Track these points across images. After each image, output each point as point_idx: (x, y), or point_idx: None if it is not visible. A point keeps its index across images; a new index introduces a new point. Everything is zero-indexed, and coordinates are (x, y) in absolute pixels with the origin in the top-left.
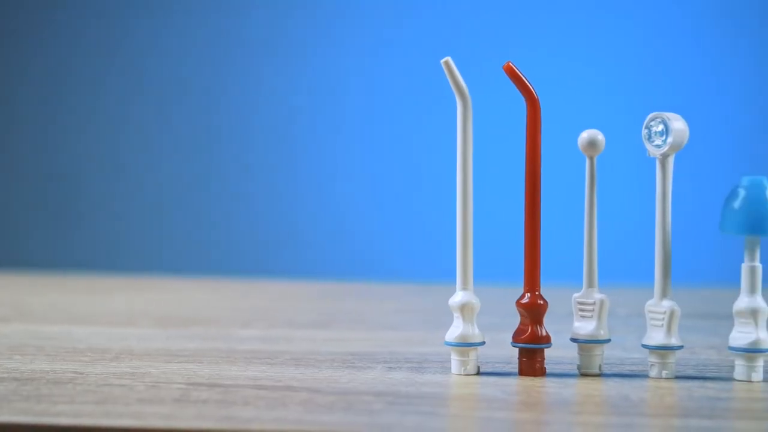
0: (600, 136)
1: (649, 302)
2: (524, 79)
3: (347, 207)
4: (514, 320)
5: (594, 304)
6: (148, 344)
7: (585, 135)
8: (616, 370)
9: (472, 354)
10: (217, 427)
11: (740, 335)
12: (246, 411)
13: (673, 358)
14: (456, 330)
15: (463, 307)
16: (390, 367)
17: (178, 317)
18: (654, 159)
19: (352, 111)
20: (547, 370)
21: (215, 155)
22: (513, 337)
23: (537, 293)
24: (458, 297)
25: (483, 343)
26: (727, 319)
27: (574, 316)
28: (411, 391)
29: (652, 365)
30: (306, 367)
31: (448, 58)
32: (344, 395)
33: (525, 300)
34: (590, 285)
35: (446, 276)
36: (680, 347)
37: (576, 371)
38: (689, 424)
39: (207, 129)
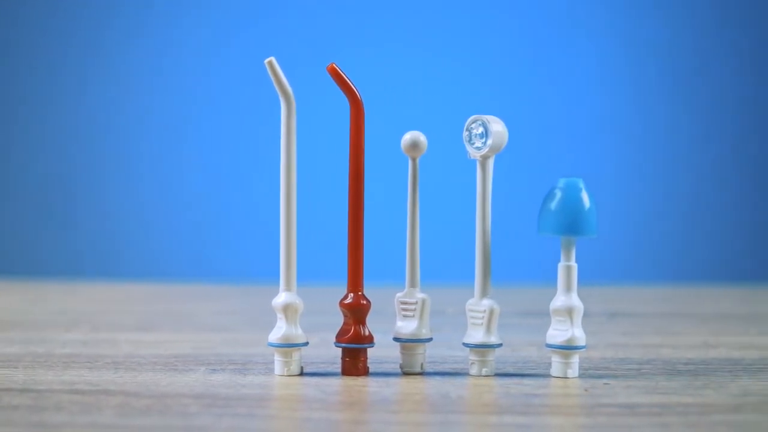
0: (422, 138)
1: (470, 301)
2: (347, 80)
3: (172, 208)
4: (339, 320)
5: (416, 303)
6: None
7: (408, 136)
8: (438, 368)
9: (296, 354)
10: None
11: (556, 332)
12: (58, 416)
13: (492, 356)
14: (279, 331)
15: (286, 308)
16: (213, 369)
17: None
18: (474, 160)
19: (177, 111)
20: (371, 370)
21: (25, 153)
22: (336, 337)
23: (360, 293)
24: (281, 298)
25: (306, 343)
26: (546, 317)
27: (396, 316)
28: (231, 393)
29: (472, 363)
30: (126, 370)
31: (272, 59)
32: (161, 398)
33: (348, 300)
34: (412, 285)
35: (271, 277)
36: (499, 345)
37: (399, 370)
38: (504, 420)
39: (43, 131)
